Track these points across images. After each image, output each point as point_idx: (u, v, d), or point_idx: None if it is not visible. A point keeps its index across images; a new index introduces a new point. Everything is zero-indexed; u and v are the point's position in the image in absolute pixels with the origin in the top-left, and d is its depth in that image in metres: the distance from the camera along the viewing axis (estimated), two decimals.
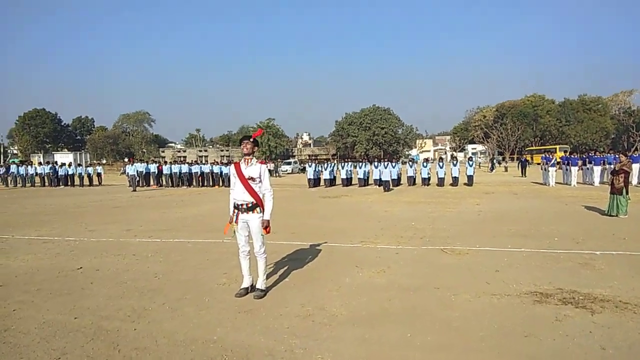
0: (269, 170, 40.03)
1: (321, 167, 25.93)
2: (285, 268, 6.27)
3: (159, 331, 4.09)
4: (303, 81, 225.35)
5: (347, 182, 25.04)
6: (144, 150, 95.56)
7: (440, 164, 23.51)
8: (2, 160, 52.82)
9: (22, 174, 28.80)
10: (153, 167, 28.48)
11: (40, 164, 31.08)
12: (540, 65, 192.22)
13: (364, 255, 7.13)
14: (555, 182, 21.92)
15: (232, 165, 5.10)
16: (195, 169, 27.77)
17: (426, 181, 23.34)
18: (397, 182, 23.60)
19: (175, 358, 3.56)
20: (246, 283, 5.16)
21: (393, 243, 7.99)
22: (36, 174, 28.80)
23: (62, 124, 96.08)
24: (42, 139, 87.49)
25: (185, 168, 27.55)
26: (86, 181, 29.02)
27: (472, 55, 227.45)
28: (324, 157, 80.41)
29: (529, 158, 48.88)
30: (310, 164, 26.44)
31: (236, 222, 4.99)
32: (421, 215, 11.67)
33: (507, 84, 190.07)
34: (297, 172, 49.33)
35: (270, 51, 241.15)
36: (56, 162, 32.46)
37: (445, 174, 23.11)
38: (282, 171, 47.99)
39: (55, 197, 19.80)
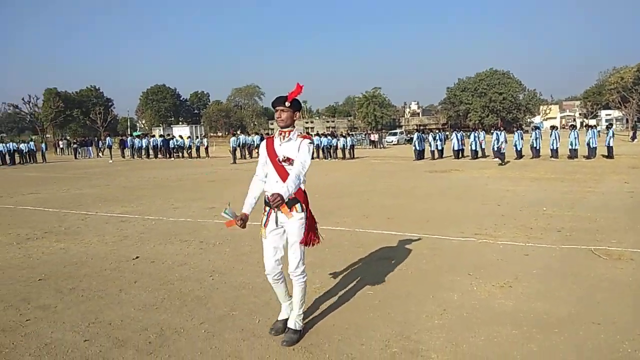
0: (372, 142, 38.07)
1: (428, 136, 23.66)
2: (370, 273, 4.79)
3: None
4: (412, 47, 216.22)
5: (458, 154, 22.56)
6: (255, 122, 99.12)
7: (572, 132, 19.94)
8: (129, 134, 57.52)
9: (137, 146, 30.54)
10: (253, 139, 28.47)
11: (153, 136, 32.72)
12: None
13: (480, 255, 5.37)
14: None
15: (264, 142, 3.40)
16: None
17: (554, 152, 20.00)
18: (519, 154, 20.63)
19: None
20: (285, 314, 3.49)
21: (520, 238, 6.07)
22: (149, 146, 30.31)
23: (181, 98, 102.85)
24: (163, 113, 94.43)
25: None
26: (194, 153, 29.92)
27: (607, 6, 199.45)
28: (434, 126, 76.00)
29: None
30: (417, 133, 24.28)
31: (266, 225, 3.29)
32: (554, 197, 9.36)
33: None
34: (404, 144, 46.74)
35: (376, 18, 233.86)
36: (168, 135, 33.97)
37: (578, 144, 19.57)
38: (387, 142, 45.85)
39: (161, 170, 20.22)
